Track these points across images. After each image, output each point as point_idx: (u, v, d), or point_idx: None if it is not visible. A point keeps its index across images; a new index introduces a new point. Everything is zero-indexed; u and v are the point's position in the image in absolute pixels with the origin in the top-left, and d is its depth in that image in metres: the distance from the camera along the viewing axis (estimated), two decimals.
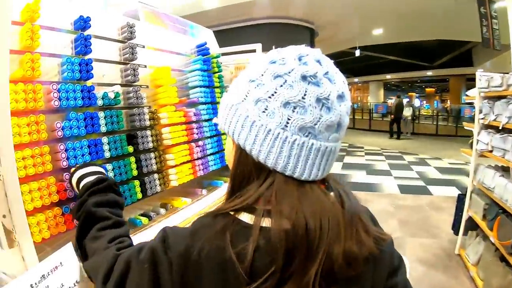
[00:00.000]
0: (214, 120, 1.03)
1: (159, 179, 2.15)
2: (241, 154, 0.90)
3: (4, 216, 1.21)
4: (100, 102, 1.81)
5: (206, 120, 2.64)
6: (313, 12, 13.31)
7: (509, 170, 3.81)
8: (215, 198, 2.52)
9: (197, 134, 2.49)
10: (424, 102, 45.57)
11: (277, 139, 0.82)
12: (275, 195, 0.83)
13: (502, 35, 9.89)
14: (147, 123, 2.12)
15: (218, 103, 2.82)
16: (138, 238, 1.80)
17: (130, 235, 1.29)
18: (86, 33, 1.78)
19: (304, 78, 0.81)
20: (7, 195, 1.20)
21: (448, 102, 34.60)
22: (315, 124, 0.81)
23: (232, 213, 0.87)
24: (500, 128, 3.78)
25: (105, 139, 1.81)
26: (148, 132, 2.11)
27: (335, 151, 0.89)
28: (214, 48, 3.09)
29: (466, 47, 21.74)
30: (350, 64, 28.80)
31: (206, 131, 2.61)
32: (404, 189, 9.13)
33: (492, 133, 4.15)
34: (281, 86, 0.81)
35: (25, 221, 1.27)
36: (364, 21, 15.58)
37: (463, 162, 12.07)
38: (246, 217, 0.86)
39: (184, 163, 2.35)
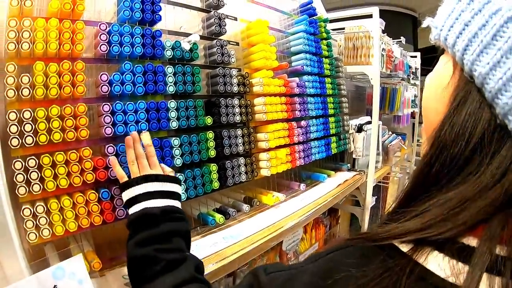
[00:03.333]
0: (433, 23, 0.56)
1: (245, 165, 1.53)
2: (465, 94, 0.45)
3: None
4: (169, 53, 1.28)
5: (312, 96, 1.97)
6: None
7: None
8: (316, 196, 1.85)
9: (300, 111, 1.82)
10: None
11: None
12: None
13: None
14: (235, 88, 1.51)
15: (327, 75, 2.16)
16: (207, 241, 1.31)
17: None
18: None
19: None
20: None
21: None
22: None
23: (404, 248, 0.45)
24: None
25: (172, 103, 1.27)
26: (236, 101, 1.50)
27: None
28: (321, 11, 2.41)
29: None
30: None
31: (312, 109, 1.93)
32: None
33: None
34: None
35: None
36: None
37: None
38: (437, 264, 0.42)
39: (280, 146, 1.71)
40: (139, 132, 1.12)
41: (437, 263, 0.43)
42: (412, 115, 4.41)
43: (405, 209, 0.49)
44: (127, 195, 0.97)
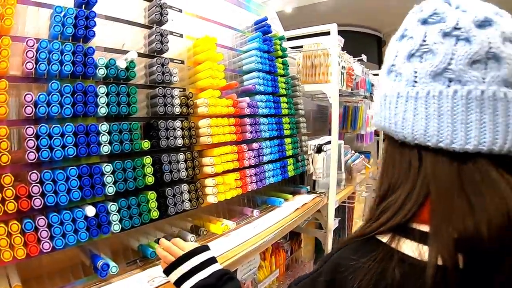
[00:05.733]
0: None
1: (189, 192, 1.44)
2: (387, 142, 0.74)
3: None
4: (101, 72, 1.20)
5: (265, 116, 1.90)
6: (379, 19, 12.48)
7: None
8: (271, 222, 1.76)
9: (251, 132, 1.75)
10: None
11: (408, 101, 0.64)
12: (426, 187, 0.62)
13: None
14: (177, 110, 1.43)
15: (282, 95, 2.10)
16: (145, 275, 1.23)
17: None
18: None
19: (423, 21, 0.65)
20: None
21: None
22: (449, 64, 0.59)
23: (384, 239, 0.66)
24: None
25: (103, 126, 1.17)
26: (178, 124, 1.42)
27: (508, 100, 0.57)
28: (278, 29, 2.37)
29: None
30: None
31: (265, 130, 1.86)
32: None
33: None
34: (400, 41, 0.69)
35: None
36: None
37: None
38: (409, 248, 0.62)
39: (229, 171, 1.62)
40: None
41: (409, 247, 0.61)
42: (376, 132, 4.40)
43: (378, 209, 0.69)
44: (174, 275, 1.01)
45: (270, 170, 1.89)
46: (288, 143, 2.07)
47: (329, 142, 2.40)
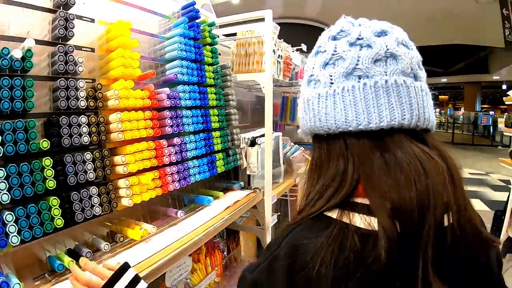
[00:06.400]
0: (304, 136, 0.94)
1: (99, 195, 1.30)
2: (314, 142, 0.87)
3: None
4: None
5: (189, 108, 1.77)
6: (327, 12, 12.60)
7: None
8: (198, 223, 1.65)
9: (171, 127, 1.61)
10: (438, 109, 44.68)
11: (327, 98, 0.78)
12: (355, 168, 0.75)
13: None
14: (82, 103, 1.27)
15: (209, 85, 1.98)
16: None
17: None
18: None
19: (333, 38, 0.81)
20: None
21: (462, 109, 33.72)
22: (356, 64, 0.75)
23: (334, 215, 0.74)
24: None
25: None
26: (83, 119, 1.26)
27: (403, 84, 0.74)
28: (209, 15, 2.24)
29: (482, 53, 21.15)
30: None
31: (188, 124, 1.73)
32: None
33: None
34: (315, 56, 0.84)
35: None
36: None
37: (483, 172, 11.70)
38: (359, 221, 0.71)
39: (145, 170, 1.49)
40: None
41: (358, 220, 0.70)
42: None
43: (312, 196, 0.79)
44: None
45: (196, 167, 1.77)
46: (217, 137, 1.96)
47: (264, 135, 2.31)
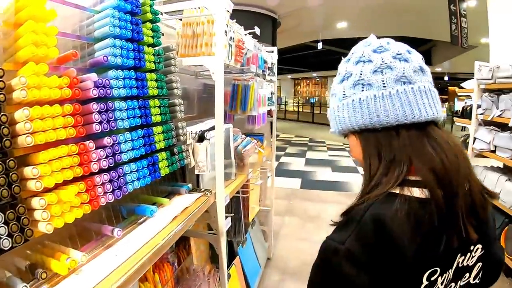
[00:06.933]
0: (332, 131, 1.12)
1: (5, 223, 0.95)
2: (365, 138, 1.00)
3: None
4: None
5: (123, 99, 1.43)
6: (276, 0, 12.69)
7: None
8: (140, 242, 1.35)
9: (100, 123, 1.27)
10: None
11: (384, 98, 0.93)
12: (408, 152, 0.91)
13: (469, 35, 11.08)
14: None
15: (149, 70, 1.64)
16: None
17: None
18: None
19: (374, 51, 0.98)
20: None
21: None
22: (403, 73, 0.94)
23: (396, 191, 0.90)
24: (511, 125, 3.48)
25: None
26: None
27: (432, 90, 0.97)
28: None
29: (426, 46, 22.00)
30: (311, 58, 29.69)
31: (122, 119, 1.39)
32: None
33: (495, 130, 3.91)
34: (357, 64, 1.00)
35: None
36: (329, 13, 15.13)
37: None
38: (418, 192, 0.89)
39: (66, 183, 1.14)
40: None
41: (417, 192, 0.87)
42: (269, 113, 4.07)
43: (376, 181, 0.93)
44: None
45: (133, 172, 1.44)
46: (159, 133, 1.63)
47: (214, 128, 2.01)
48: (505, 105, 3.62)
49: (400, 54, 0.95)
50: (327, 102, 32.30)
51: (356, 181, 9.13)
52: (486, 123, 4.11)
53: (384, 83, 0.93)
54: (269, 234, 4.63)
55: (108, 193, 1.29)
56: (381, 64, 0.94)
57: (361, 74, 0.97)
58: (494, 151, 3.87)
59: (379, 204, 0.88)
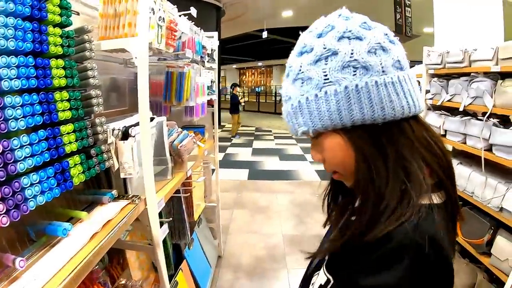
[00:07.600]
0: (301, 131, 0.87)
1: None
2: (360, 136, 0.81)
3: None
4: None
5: (18, 93, 1.13)
6: None
7: (469, 158, 3.60)
8: (54, 268, 1.09)
9: None
10: None
11: (387, 86, 0.77)
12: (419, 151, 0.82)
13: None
14: None
15: (55, 55, 1.34)
16: None
17: None
18: None
19: (362, 27, 0.81)
20: None
21: None
22: (397, 57, 0.81)
23: (424, 201, 0.79)
24: (461, 109, 3.49)
25: None
26: None
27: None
28: None
29: None
30: (256, 47, 29.89)
31: (15, 118, 1.10)
32: (324, 175, 8.79)
33: (445, 115, 3.87)
34: (349, 43, 0.79)
35: None
36: (274, 1, 15.41)
37: None
38: (436, 200, 0.82)
39: None
40: None
41: (436, 197, 0.80)
42: (210, 102, 3.81)
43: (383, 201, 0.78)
44: None
45: (35, 184, 1.15)
46: (69, 133, 1.34)
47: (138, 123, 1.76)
48: (455, 90, 3.63)
49: (387, 34, 0.82)
50: (272, 91, 33.48)
51: (304, 169, 9.20)
52: (435, 107, 4.11)
53: (383, 68, 0.77)
54: (218, 231, 4.46)
55: (3, 215, 1.02)
56: (375, 43, 0.77)
57: (352, 53, 0.76)
58: (444, 135, 3.86)
59: (423, 221, 0.74)
